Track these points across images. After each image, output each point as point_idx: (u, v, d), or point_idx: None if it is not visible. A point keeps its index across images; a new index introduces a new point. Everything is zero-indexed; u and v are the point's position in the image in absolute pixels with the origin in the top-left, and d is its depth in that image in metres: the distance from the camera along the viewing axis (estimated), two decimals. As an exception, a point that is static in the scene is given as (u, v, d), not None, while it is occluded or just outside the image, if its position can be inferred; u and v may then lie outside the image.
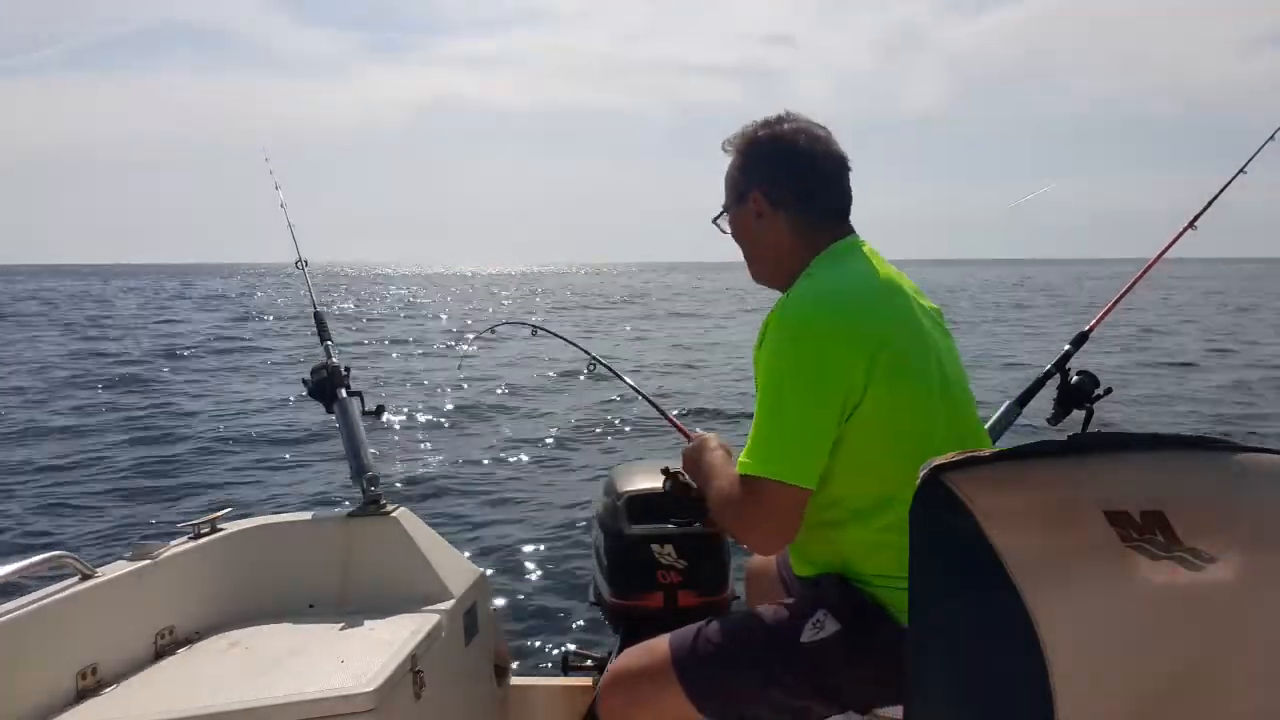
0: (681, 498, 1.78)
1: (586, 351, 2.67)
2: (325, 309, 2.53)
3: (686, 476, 1.73)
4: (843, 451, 1.39)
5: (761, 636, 1.51)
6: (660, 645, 1.55)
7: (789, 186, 1.53)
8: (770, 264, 1.59)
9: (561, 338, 2.85)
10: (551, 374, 13.04)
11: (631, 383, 2.58)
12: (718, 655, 1.50)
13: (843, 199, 1.56)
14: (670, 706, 1.49)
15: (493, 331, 3.11)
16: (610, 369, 2.63)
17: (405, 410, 10.39)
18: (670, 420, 2.39)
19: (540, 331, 2.90)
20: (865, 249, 1.54)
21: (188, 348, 18.32)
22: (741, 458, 1.39)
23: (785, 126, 1.53)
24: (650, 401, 2.50)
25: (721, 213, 1.64)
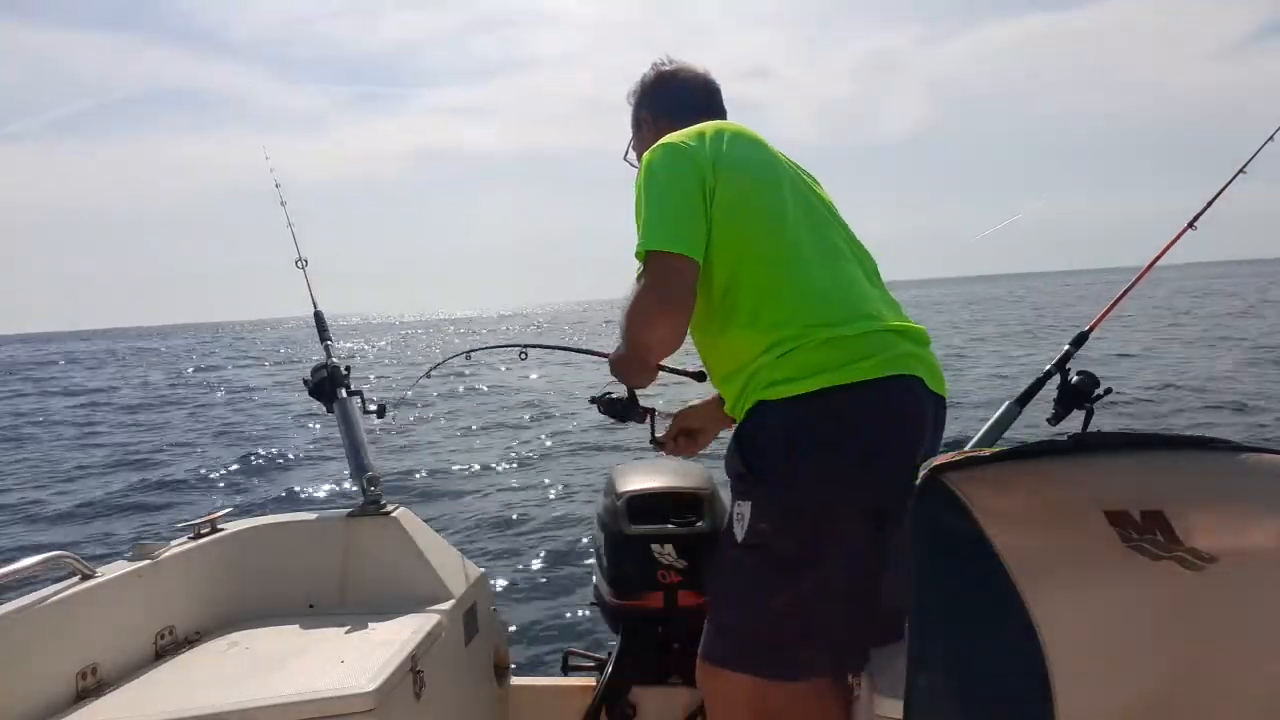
0: (614, 403, 1.94)
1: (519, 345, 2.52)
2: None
3: (615, 389, 1.90)
4: (716, 248, 1.54)
5: (727, 574, 1.57)
6: (700, 666, 1.60)
7: (665, 98, 1.87)
8: None
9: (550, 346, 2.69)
10: (552, 375, 13.03)
11: (555, 344, 2.57)
12: (725, 626, 1.55)
13: (709, 105, 1.85)
14: (756, 692, 1.53)
15: (467, 357, 3.01)
16: (535, 345, 2.51)
17: (406, 411, 10.39)
18: (590, 351, 2.24)
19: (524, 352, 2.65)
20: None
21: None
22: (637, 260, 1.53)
23: (662, 67, 1.90)
24: (579, 350, 2.39)
25: (627, 149, 1.93)
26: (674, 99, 1.87)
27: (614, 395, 1.94)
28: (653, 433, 2.01)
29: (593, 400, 2.00)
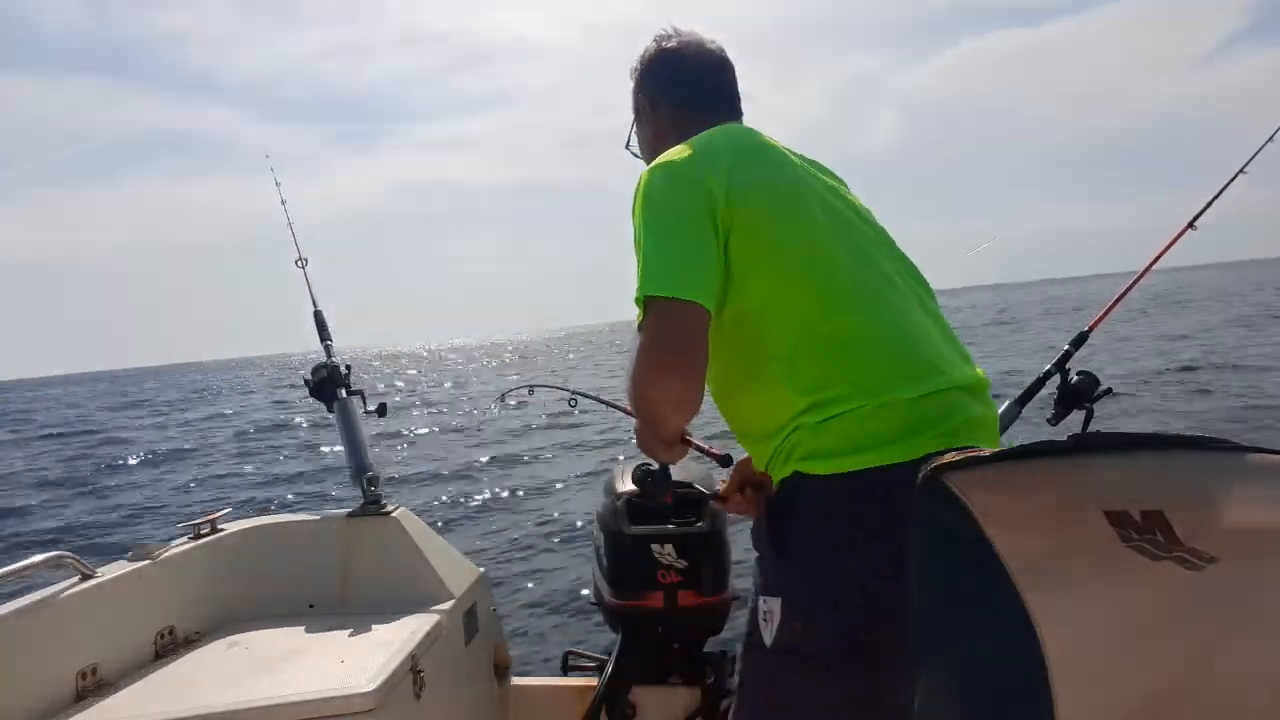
0: (656, 483, 1.78)
1: (618, 407, 2.31)
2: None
3: (651, 463, 1.70)
4: (740, 290, 1.31)
5: (755, 684, 1.33)
6: None
7: (666, 81, 1.61)
8: None
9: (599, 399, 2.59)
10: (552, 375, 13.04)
11: (610, 401, 2.36)
12: None
13: (719, 90, 1.61)
14: None
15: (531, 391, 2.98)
16: (590, 396, 2.49)
17: (407, 413, 10.39)
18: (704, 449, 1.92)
19: (576, 399, 2.62)
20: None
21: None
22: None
23: (665, 41, 1.62)
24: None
25: (629, 137, 1.70)
26: (678, 82, 1.61)
27: (648, 468, 1.75)
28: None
29: (642, 488, 1.82)
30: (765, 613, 1.29)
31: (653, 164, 1.40)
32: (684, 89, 1.60)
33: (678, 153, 1.39)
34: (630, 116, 1.69)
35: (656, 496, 1.80)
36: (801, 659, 1.24)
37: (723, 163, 1.35)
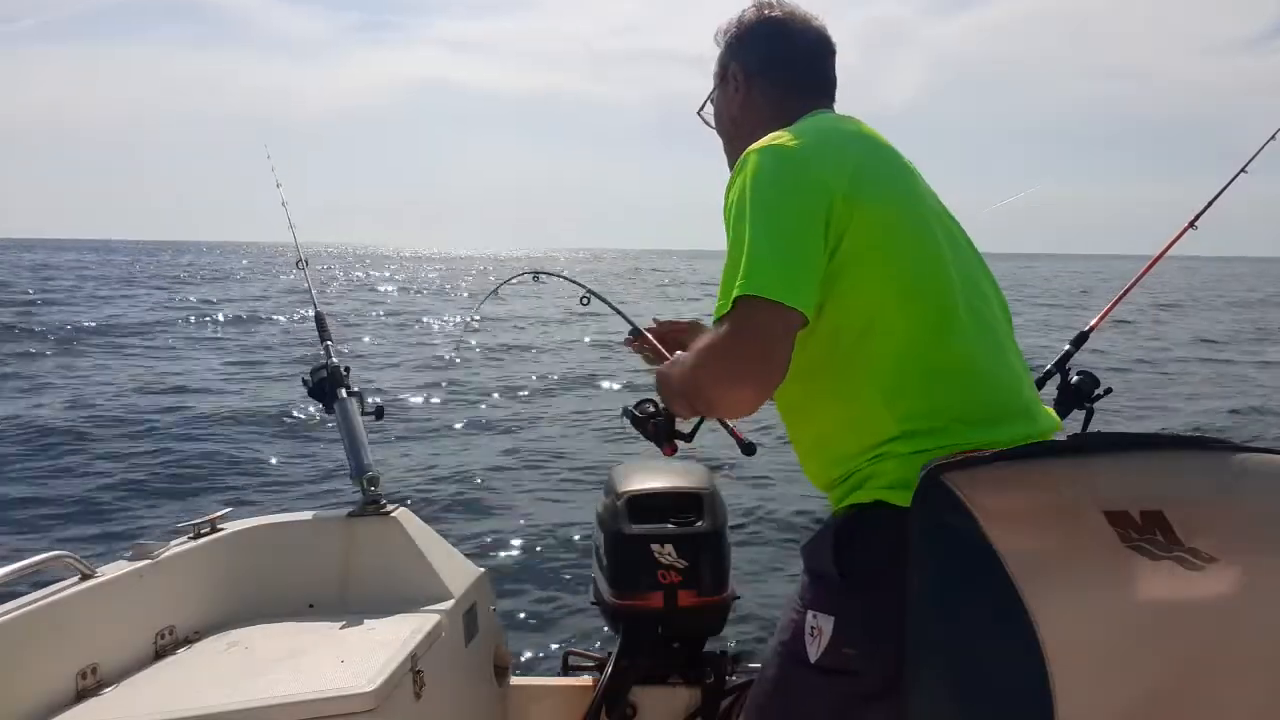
0: (645, 420, 1.66)
1: (583, 286, 2.30)
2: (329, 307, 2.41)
3: (654, 403, 1.61)
4: (843, 301, 1.23)
5: (784, 694, 1.29)
6: None
7: (765, 55, 1.50)
8: (747, 140, 1.41)
9: (562, 276, 2.50)
10: (554, 376, 13.05)
11: (627, 315, 2.12)
12: None
13: (821, 74, 1.52)
14: None
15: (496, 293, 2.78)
16: (606, 301, 2.28)
17: (406, 409, 10.40)
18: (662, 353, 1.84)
19: (541, 277, 2.51)
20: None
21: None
22: (717, 303, 1.22)
23: (767, 9, 1.51)
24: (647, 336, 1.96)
25: (705, 103, 1.60)
26: (779, 59, 1.49)
27: (652, 412, 1.65)
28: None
29: (625, 412, 1.71)
30: (813, 628, 1.24)
31: (763, 145, 1.30)
32: (787, 65, 1.49)
33: (793, 139, 1.29)
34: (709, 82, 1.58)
35: (659, 443, 1.66)
36: (846, 683, 1.21)
37: (848, 163, 1.27)
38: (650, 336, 1.79)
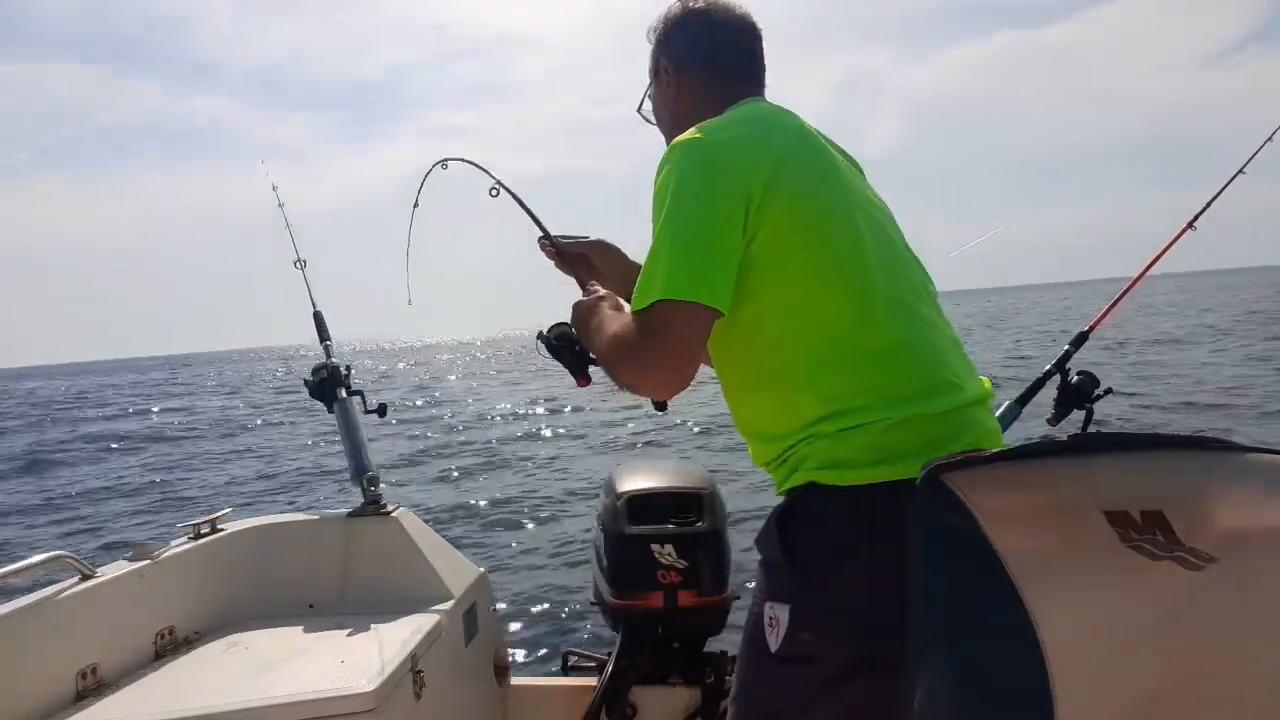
0: (560, 349, 1.57)
1: (495, 178, 1.95)
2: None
3: (570, 332, 1.55)
4: (763, 290, 1.26)
5: (754, 685, 1.30)
6: None
7: (691, 47, 1.51)
8: (681, 130, 1.40)
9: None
10: (554, 374, 13.05)
11: (538, 217, 1.88)
12: None
13: (749, 61, 1.52)
14: None
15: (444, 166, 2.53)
16: (515, 197, 1.93)
17: (406, 411, 10.39)
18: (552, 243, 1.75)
19: (449, 164, 2.10)
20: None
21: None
22: (635, 292, 1.25)
23: (692, 2, 1.53)
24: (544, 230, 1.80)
25: (643, 100, 1.61)
26: (705, 49, 1.50)
27: (570, 342, 1.56)
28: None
29: (541, 337, 1.61)
30: (771, 619, 1.25)
31: (687, 138, 1.31)
32: (713, 54, 1.50)
33: (716, 131, 1.31)
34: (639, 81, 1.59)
35: (575, 373, 1.58)
36: (810, 669, 1.22)
37: (770, 152, 1.28)
38: (558, 250, 1.71)
